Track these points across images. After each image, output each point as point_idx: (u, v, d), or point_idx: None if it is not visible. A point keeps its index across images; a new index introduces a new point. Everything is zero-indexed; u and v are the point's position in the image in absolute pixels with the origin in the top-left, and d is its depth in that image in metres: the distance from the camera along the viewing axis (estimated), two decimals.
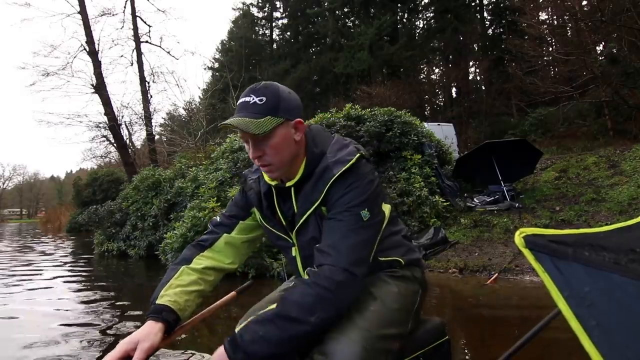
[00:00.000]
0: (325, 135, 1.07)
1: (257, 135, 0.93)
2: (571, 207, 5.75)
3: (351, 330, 0.86)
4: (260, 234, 1.18)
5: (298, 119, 0.99)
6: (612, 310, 0.52)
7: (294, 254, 1.08)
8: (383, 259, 1.03)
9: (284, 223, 1.06)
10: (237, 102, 1.00)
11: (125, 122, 15.13)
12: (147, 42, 15.88)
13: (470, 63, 21.52)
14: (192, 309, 1.03)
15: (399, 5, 22.43)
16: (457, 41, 20.24)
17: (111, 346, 2.59)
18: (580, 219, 5.34)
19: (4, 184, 63.08)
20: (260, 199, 1.09)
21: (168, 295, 0.98)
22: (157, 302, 0.97)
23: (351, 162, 0.96)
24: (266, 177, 1.07)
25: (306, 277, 0.93)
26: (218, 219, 1.18)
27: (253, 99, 0.95)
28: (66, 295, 4.38)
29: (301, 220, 1.01)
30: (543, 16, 16.87)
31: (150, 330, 0.91)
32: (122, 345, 0.87)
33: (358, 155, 0.98)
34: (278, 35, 28.16)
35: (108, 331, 2.92)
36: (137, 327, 0.93)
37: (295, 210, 1.03)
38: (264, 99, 0.94)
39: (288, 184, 1.02)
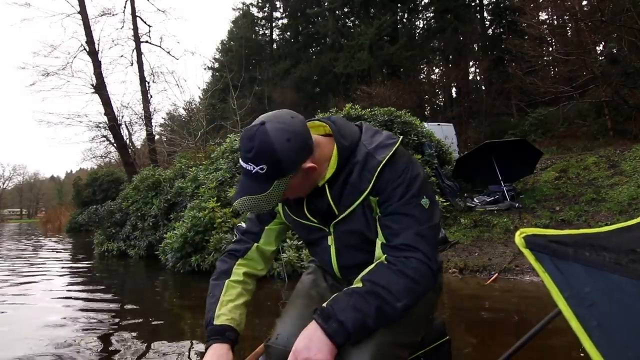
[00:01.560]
0: (351, 125, 1.03)
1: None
2: (571, 207, 5.74)
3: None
4: (281, 239, 1.19)
5: (308, 165, 0.89)
6: (612, 310, 0.52)
7: (329, 243, 1.04)
8: None
9: (313, 219, 1.03)
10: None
11: (125, 122, 15.09)
12: (147, 42, 15.87)
13: (470, 63, 21.56)
14: (245, 321, 1.06)
15: (399, 5, 22.46)
16: (457, 41, 20.27)
17: (110, 346, 2.59)
18: (580, 219, 5.33)
19: (4, 184, 63.20)
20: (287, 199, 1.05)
21: (224, 314, 1.00)
22: (216, 322, 0.98)
23: (396, 147, 0.95)
24: None
25: (339, 273, 1.04)
26: (244, 225, 1.17)
27: (254, 168, 0.85)
28: (65, 294, 4.38)
29: (347, 211, 0.97)
30: (543, 16, 16.90)
31: (221, 352, 0.93)
32: None
33: (401, 138, 0.98)
34: (278, 35, 28.21)
35: (107, 331, 2.92)
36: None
37: (332, 203, 0.98)
38: (265, 167, 0.85)
39: (320, 183, 0.97)
